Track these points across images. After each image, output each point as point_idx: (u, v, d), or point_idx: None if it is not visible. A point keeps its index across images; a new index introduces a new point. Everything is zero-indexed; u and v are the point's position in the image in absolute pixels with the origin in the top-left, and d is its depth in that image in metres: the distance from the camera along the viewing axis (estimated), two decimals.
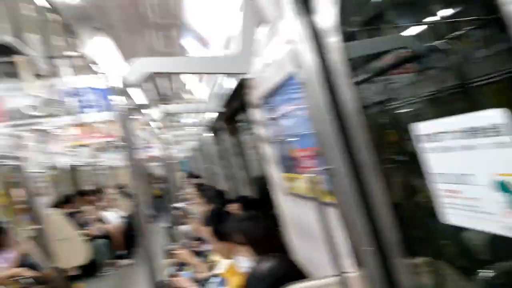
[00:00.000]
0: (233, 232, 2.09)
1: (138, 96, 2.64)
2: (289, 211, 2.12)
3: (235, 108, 3.12)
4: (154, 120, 3.45)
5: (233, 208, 3.04)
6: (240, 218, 2.20)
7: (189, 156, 11.09)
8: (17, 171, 5.84)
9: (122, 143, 1.32)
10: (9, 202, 5.93)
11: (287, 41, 1.18)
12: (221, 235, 2.44)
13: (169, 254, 5.38)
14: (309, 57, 1.03)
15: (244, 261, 2.00)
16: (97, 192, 8.85)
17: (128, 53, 3.48)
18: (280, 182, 2.13)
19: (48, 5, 1.58)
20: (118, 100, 1.29)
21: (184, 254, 3.43)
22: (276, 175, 2.17)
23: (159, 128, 3.52)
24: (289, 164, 1.93)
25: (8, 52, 2.85)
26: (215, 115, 3.62)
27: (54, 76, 2.85)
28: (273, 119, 2.00)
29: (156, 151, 7.64)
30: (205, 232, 2.68)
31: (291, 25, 1.07)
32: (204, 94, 3.81)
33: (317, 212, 1.14)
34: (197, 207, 4.64)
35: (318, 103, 1.03)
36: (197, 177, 9.24)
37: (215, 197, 3.95)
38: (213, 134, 4.93)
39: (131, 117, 1.30)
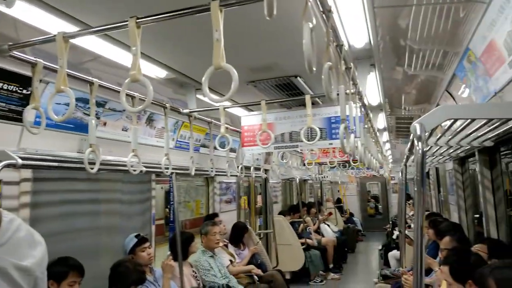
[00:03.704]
0: (481, 277, 1.89)
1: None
2: None
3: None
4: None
5: (478, 249, 2.78)
6: (497, 266, 1.95)
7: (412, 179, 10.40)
8: (262, 181, 6.73)
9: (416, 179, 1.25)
10: (252, 206, 6.82)
11: None
12: (459, 276, 2.31)
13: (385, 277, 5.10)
14: None
15: None
16: (318, 204, 9.25)
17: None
18: None
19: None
20: (416, 144, 1.22)
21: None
22: None
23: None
24: None
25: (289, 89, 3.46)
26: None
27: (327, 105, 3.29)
28: None
29: (374, 171, 7.49)
30: (441, 269, 2.55)
31: None
32: None
33: None
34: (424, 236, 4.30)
35: None
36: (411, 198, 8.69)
37: (449, 231, 3.52)
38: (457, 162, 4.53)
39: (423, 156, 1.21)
